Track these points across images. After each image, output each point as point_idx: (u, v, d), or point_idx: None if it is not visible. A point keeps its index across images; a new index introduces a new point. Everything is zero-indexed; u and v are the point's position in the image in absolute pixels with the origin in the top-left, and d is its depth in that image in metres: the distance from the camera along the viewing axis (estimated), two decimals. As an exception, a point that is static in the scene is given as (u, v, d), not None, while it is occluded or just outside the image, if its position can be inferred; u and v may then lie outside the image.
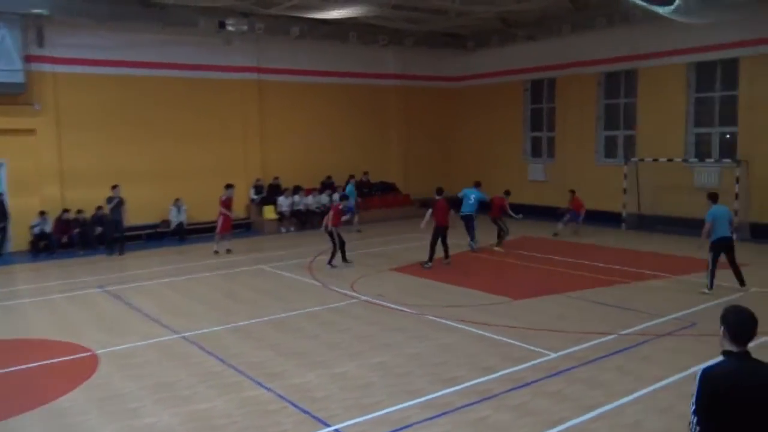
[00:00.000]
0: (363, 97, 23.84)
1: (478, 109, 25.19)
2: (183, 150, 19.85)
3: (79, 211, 17.83)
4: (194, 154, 20.10)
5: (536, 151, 23.83)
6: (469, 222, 16.17)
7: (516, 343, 8.91)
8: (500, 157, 24.18)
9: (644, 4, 13.84)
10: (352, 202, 19.63)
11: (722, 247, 11.36)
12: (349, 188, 20.30)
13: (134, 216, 17.43)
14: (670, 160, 18.72)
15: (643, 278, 13.05)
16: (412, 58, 24.53)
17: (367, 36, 22.15)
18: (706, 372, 3.31)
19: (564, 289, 12.16)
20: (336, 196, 20.38)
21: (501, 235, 16.60)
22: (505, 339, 9.12)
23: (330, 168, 22.61)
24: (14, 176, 17.24)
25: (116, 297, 12.30)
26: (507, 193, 17.13)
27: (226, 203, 16.69)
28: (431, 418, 6.52)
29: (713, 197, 11.73)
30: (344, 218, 15.91)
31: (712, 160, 18.40)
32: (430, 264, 14.32)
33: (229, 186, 16.87)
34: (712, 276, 11.37)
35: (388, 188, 24.21)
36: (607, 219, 19.80)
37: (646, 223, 19.36)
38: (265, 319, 10.52)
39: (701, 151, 18.97)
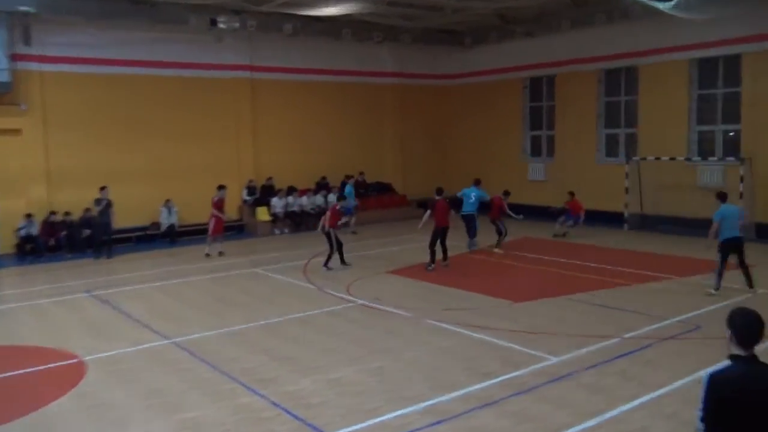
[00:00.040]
0: (358, 95, 23.52)
1: (476, 107, 24.87)
2: (174, 150, 19.52)
3: (67, 213, 17.48)
4: (185, 154, 19.74)
5: (536, 150, 23.54)
6: (470, 221, 15.97)
7: (516, 347, 8.75)
8: (499, 156, 23.87)
9: (644, -1, 13.63)
10: (351, 202, 19.32)
11: (731, 247, 11.12)
12: (348, 188, 20.01)
13: (123, 218, 17.14)
14: (672, 158, 18.45)
15: (646, 280, 12.82)
16: (408, 56, 24.20)
17: (361, 33, 21.81)
18: (713, 377, 3.26)
19: (565, 291, 11.93)
20: (332, 197, 20.12)
21: (500, 236, 16.30)
22: (505, 343, 8.95)
23: (325, 168, 22.30)
24: (0, 178, 16.95)
25: (104, 302, 12.04)
26: (506, 193, 16.81)
27: (218, 205, 16.49)
28: (431, 425, 6.43)
29: (722, 196, 11.48)
30: (342, 220, 15.54)
31: (715, 158, 18.15)
32: (432, 266, 14.10)
33: (221, 187, 16.63)
34: (720, 277, 11.14)
35: (384, 189, 23.93)
36: (609, 219, 19.51)
37: (648, 223, 19.08)
38: (259, 323, 10.32)
39: (704, 149, 18.72)
